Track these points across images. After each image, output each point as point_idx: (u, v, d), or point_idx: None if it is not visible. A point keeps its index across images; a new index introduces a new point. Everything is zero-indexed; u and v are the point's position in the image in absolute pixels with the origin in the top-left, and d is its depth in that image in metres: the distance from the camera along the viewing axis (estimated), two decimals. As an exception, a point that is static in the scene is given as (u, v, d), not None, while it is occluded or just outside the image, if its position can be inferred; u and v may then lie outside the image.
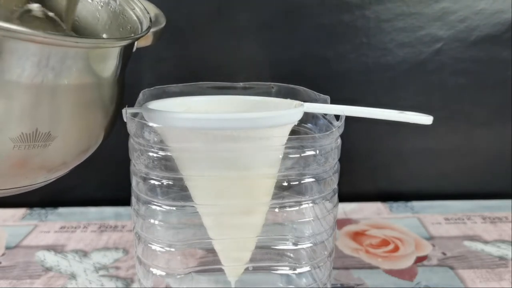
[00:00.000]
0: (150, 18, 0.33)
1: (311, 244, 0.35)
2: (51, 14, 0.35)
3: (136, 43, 0.32)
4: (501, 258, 0.46)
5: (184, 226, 0.34)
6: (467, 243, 0.49)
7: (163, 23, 0.37)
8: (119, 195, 0.46)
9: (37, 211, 0.57)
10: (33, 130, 0.26)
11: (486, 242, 0.49)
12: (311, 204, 0.34)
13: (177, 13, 0.54)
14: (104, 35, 0.35)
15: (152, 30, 0.33)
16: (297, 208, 0.34)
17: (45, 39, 0.24)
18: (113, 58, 0.29)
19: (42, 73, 0.25)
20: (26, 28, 0.23)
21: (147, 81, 0.56)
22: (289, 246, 0.36)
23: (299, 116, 0.33)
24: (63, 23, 0.36)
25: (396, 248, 0.48)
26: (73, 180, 0.58)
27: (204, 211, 0.33)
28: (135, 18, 0.34)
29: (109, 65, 0.29)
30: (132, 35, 0.33)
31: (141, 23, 0.33)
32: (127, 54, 0.30)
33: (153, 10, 0.37)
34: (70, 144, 0.29)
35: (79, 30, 0.36)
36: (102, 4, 0.35)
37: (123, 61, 0.30)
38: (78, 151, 0.30)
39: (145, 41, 0.35)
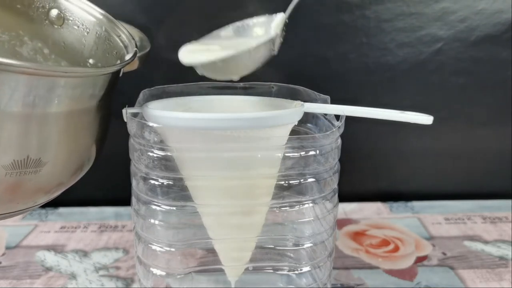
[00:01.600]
0: (135, 44, 0.34)
1: (311, 244, 0.35)
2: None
3: (122, 69, 0.33)
4: (501, 258, 0.46)
5: (184, 226, 0.34)
6: (467, 243, 0.49)
7: (148, 47, 0.38)
8: (119, 195, 0.46)
9: (37, 211, 0.57)
10: (24, 157, 0.26)
11: (486, 242, 0.49)
12: (311, 204, 0.34)
13: (177, 13, 0.54)
14: (91, 60, 0.36)
15: (137, 55, 0.34)
16: (297, 208, 0.34)
17: (36, 71, 0.25)
18: (101, 84, 0.30)
19: (32, 102, 0.25)
20: (17, 61, 0.24)
21: (147, 81, 0.56)
22: (289, 246, 0.36)
23: (299, 116, 0.33)
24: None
25: (396, 248, 0.48)
26: (73, 180, 0.59)
27: (204, 211, 0.33)
28: (121, 44, 0.35)
29: (97, 91, 0.30)
30: (118, 61, 0.33)
31: (126, 49, 0.34)
32: (114, 79, 0.31)
33: (137, 34, 0.38)
34: (61, 167, 0.30)
35: (65, 55, 0.37)
36: (88, 30, 0.36)
37: (110, 86, 0.31)
38: (71, 171, 0.31)
39: (131, 66, 0.35)
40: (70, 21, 0.36)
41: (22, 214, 0.31)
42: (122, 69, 0.33)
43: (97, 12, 0.36)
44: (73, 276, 0.43)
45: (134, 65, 0.36)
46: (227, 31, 0.36)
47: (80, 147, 0.31)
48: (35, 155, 0.27)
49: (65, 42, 0.36)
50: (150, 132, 0.32)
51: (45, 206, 0.58)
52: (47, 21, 0.36)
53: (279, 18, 0.35)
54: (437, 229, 0.52)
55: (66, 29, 0.36)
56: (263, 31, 0.36)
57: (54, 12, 0.36)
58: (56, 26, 0.36)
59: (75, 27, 0.36)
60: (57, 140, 0.28)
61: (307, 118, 0.36)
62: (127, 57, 0.32)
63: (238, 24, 0.37)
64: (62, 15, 0.36)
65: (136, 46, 0.34)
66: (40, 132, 0.27)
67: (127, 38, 0.35)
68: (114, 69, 0.30)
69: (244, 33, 0.36)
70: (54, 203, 0.58)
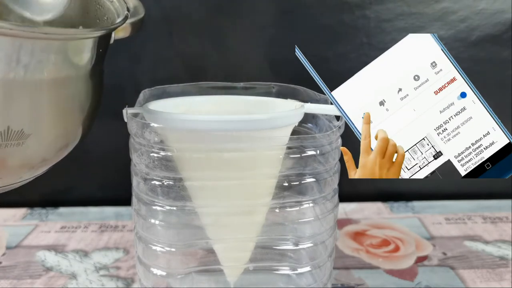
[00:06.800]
0: (127, 8, 0.32)
1: (311, 244, 0.35)
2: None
3: (113, 34, 0.31)
4: (501, 258, 0.46)
5: (185, 226, 0.34)
6: (467, 243, 0.49)
7: (141, 13, 0.36)
8: (119, 195, 0.46)
9: (38, 211, 0.57)
10: (4, 129, 0.24)
11: (486, 242, 0.49)
12: (311, 204, 0.34)
13: (177, 13, 0.54)
14: (81, 27, 0.34)
15: (130, 21, 0.32)
16: (297, 208, 0.34)
17: (11, 31, 0.22)
18: (88, 50, 0.28)
19: (13, 68, 0.23)
20: None
21: (147, 81, 0.56)
22: (290, 246, 0.36)
23: (300, 117, 0.33)
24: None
25: (397, 248, 0.48)
26: (74, 180, 0.59)
27: (205, 211, 0.33)
28: (112, 9, 0.33)
29: (84, 58, 0.28)
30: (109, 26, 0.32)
31: (118, 14, 0.32)
32: (103, 45, 0.29)
33: (132, 1, 0.36)
34: (46, 141, 0.28)
35: (55, 24, 0.35)
36: None
37: (99, 53, 0.29)
38: (56, 147, 0.29)
39: (124, 32, 0.33)
40: None
41: (5, 190, 0.28)
42: (113, 35, 0.31)
43: None
44: (73, 276, 0.43)
45: (127, 32, 0.34)
46: None
47: (67, 120, 0.28)
48: (17, 126, 0.25)
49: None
50: (150, 132, 0.32)
51: (45, 206, 0.58)
52: None
53: None
54: (437, 229, 0.52)
55: None
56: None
57: None
58: None
59: None
60: (41, 111, 0.26)
61: (307, 118, 0.36)
62: (117, 20, 0.31)
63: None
64: None
65: (128, 10, 0.32)
66: (22, 102, 0.25)
67: (119, 3, 0.33)
68: (99, 32, 0.28)
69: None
70: (55, 203, 0.58)
